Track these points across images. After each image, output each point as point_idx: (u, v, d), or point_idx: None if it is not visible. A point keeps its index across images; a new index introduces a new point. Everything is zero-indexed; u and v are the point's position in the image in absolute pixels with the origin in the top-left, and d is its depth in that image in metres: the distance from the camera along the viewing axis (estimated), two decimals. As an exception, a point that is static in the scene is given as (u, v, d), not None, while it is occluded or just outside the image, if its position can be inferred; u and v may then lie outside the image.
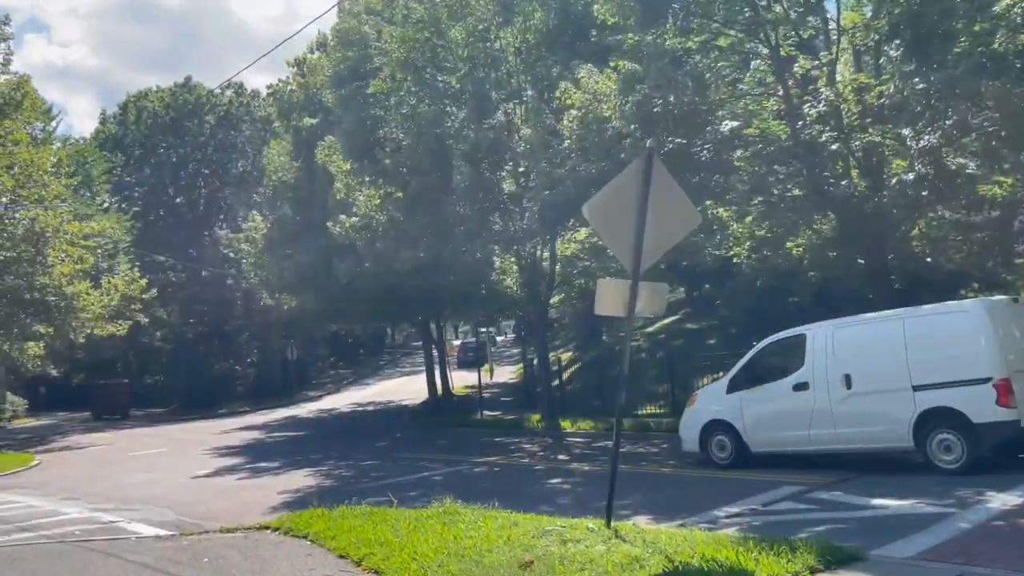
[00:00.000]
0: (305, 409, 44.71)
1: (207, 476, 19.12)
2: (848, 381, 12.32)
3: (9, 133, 31.76)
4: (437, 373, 35.64)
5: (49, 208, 34.21)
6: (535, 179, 19.06)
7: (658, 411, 24.09)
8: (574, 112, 16.21)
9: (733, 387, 14.00)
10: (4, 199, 33.82)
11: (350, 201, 24.74)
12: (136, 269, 38.65)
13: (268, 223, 31.59)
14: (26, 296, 34.19)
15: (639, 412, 24.24)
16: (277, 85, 30.65)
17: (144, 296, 38.24)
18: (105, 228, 36.83)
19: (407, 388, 49.14)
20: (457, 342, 65.94)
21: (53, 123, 44.24)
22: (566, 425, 22.29)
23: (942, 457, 11.32)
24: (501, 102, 19.96)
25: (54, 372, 76.69)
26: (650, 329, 37.29)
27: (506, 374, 51.15)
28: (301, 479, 17.44)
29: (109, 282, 38.01)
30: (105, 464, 23.63)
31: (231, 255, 53.07)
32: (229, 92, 61.43)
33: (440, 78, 20.46)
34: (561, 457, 17.94)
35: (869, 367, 12.22)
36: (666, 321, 37.45)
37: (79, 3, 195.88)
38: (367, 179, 23.11)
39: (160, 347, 76.48)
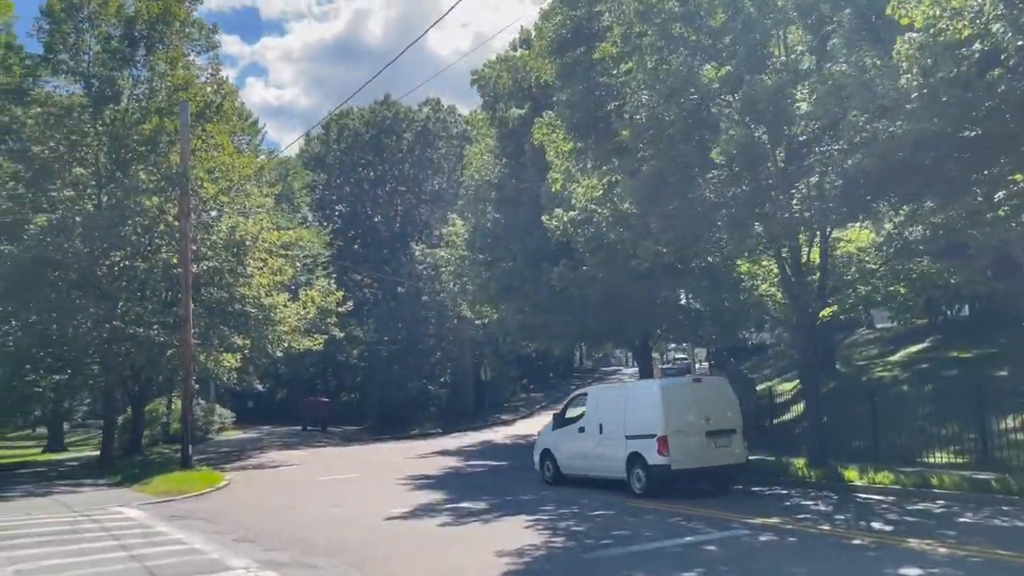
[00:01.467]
0: (500, 434, 41.12)
1: (403, 517, 15.40)
2: (601, 429, 17.51)
3: (211, 137, 30.54)
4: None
5: (251, 215, 32.80)
6: (830, 142, 14.05)
7: (957, 459, 18.06)
8: (915, 36, 11.09)
9: (556, 426, 19.38)
10: (210, 207, 32.77)
11: (567, 194, 20.65)
12: (332, 282, 36.69)
13: (469, 228, 28.22)
14: (227, 308, 32.89)
15: (927, 459, 18.37)
16: (482, 71, 27.30)
17: (340, 309, 36.21)
18: (303, 238, 35.14)
19: (608, 415, 44.56)
20: (661, 366, 60.50)
21: (259, 136, 43.81)
22: (851, 476, 16.76)
23: (636, 484, 16.47)
24: (779, 44, 15.15)
25: (260, 387, 78.65)
26: (895, 358, 30.72)
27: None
28: (519, 531, 13.26)
29: (306, 295, 36.32)
30: (292, 490, 20.76)
31: (427, 271, 51.03)
32: (426, 109, 60.15)
33: (690, 29, 15.89)
34: (876, 526, 12.62)
35: (611, 420, 17.29)
36: (912, 349, 30.81)
37: (292, 48, 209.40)
38: (590, 165, 18.88)
39: (356, 365, 76.77)
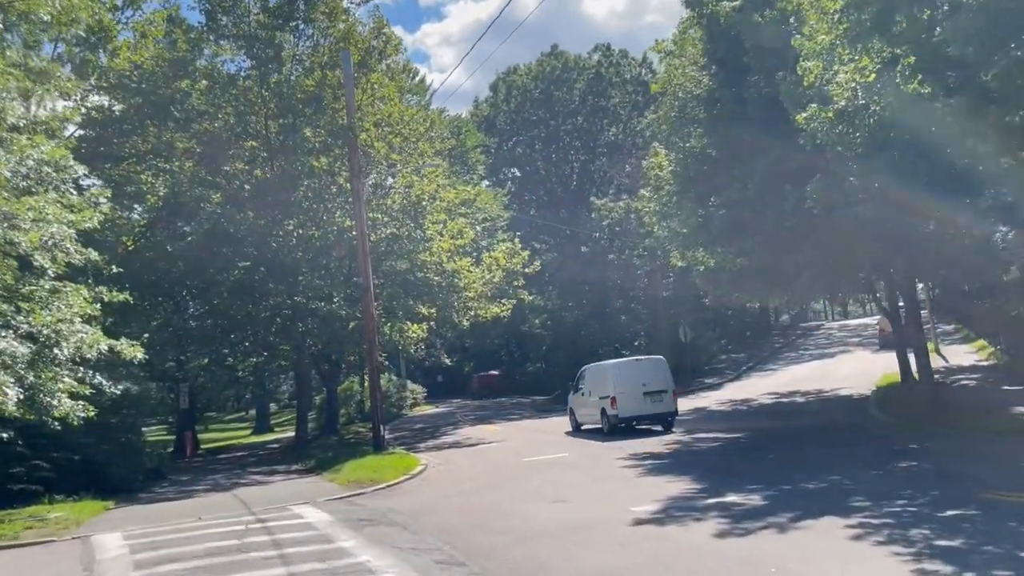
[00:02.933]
0: (711, 400, 35.94)
1: (656, 521, 11.00)
2: (590, 393, 25.27)
3: (376, 88, 27.38)
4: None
5: (424, 174, 29.50)
6: None
7: None
8: None
9: (573, 392, 27.45)
10: (382, 169, 29.82)
11: (823, 87, 15.30)
12: (517, 240, 32.90)
13: (675, 158, 23.28)
14: (408, 277, 29.90)
15: None
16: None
17: (527, 270, 32.38)
18: (481, 195, 31.52)
19: (835, 374, 38.24)
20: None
21: (427, 96, 40.75)
22: None
23: (604, 427, 23.93)
24: None
25: (447, 361, 77.39)
26: None
27: (959, 355, 38.09)
28: (854, 548, 8.55)
29: (490, 257, 32.78)
30: (498, 478, 16.98)
31: (612, 227, 46.45)
32: (596, 55, 55.19)
33: None
34: None
35: (594, 387, 25.13)
36: None
37: (451, 31, 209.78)
38: (870, 45, 13.50)
39: (539, 334, 73.69)
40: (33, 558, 11.45)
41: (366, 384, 53.96)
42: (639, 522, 10.95)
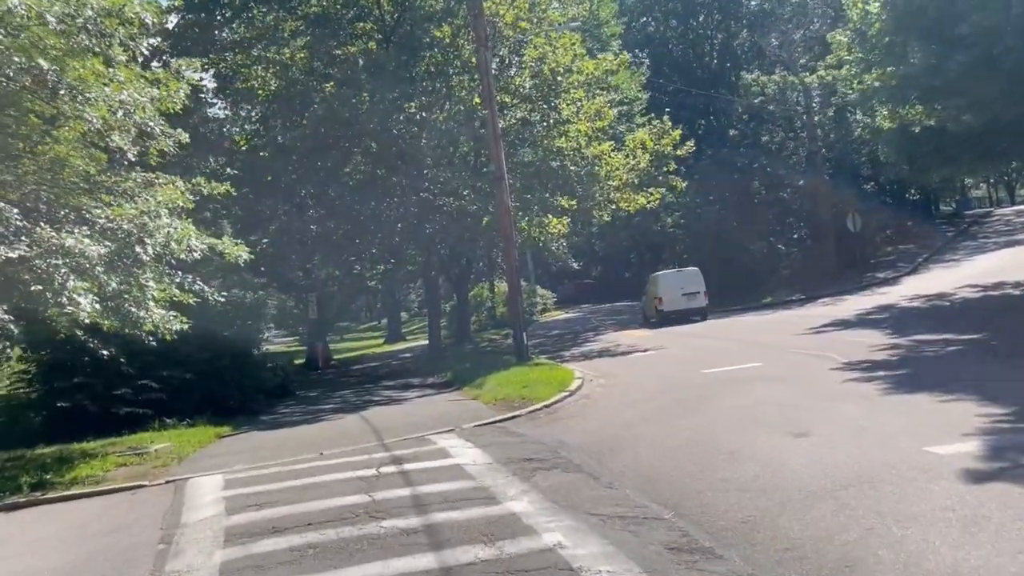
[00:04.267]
0: (894, 295, 30.66)
1: (986, 468, 7.01)
2: (650, 294, 31.90)
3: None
4: None
5: (557, 44, 25.10)
6: None
7: None
8: None
9: (643, 294, 34.25)
10: (511, 41, 25.63)
11: None
12: (667, 118, 28.13)
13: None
14: (544, 165, 26.02)
15: None
16: None
17: (679, 152, 27.70)
18: (624, 64, 26.79)
19: (1046, 261, 32.05)
20: None
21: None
22: None
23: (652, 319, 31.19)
24: None
25: (575, 265, 73.79)
26: None
27: None
28: None
29: (633, 139, 28.29)
30: (683, 395, 13.17)
31: (769, 106, 40.62)
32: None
33: None
34: None
35: (650, 290, 32.78)
36: None
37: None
38: None
39: (673, 234, 68.61)
40: (107, 515, 8.71)
41: (496, 290, 51.21)
42: (966, 474, 6.92)
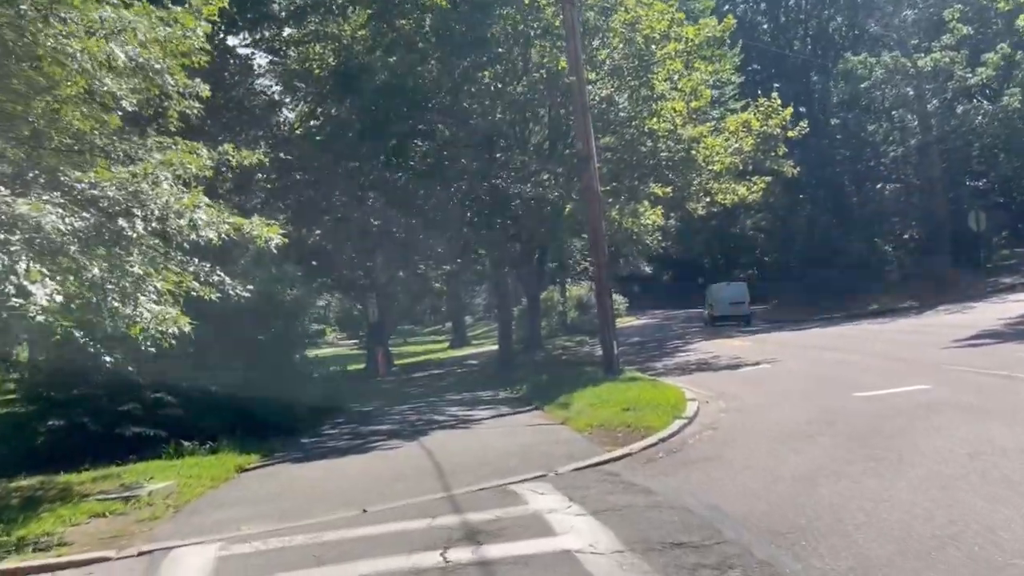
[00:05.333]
0: (1033, 305, 26.26)
1: None
2: (707, 303, 39.01)
3: None
4: None
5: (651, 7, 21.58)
6: None
7: None
8: None
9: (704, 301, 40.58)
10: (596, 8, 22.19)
11: None
12: (775, 97, 24.24)
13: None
14: (634, 147, 22.57)
15: None
16: None
17: (791, 134, 23.78)
18: (728, 31, 23.03)
19: None
20: None
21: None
22: None
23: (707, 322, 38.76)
24: None
25: (646, 268, 69.60)
26: None
27: None
28: None
29: (737, 119, 24.50)
30: (852, 430, 9.49)
31: (876, 92, 36.23)
32: None
33: None
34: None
35: (707, 298, 39.36)
36: None
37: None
38: None
39: (752, 236, 64.04)
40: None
41: (568, 293, 47.69)
42: None
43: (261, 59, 23.73)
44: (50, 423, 11.51)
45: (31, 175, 8.69)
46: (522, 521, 6.73)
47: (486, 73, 18.94)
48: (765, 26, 47.20)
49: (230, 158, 11.51)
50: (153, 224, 8.77)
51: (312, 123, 23.97)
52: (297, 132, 24.48)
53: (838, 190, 44.21)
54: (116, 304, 8.32)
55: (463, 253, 29.61)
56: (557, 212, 20.34)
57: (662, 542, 5.90)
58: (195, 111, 11.16)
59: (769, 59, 46.15)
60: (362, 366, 33.34)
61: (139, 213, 8.45)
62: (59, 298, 7.51)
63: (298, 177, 24.21)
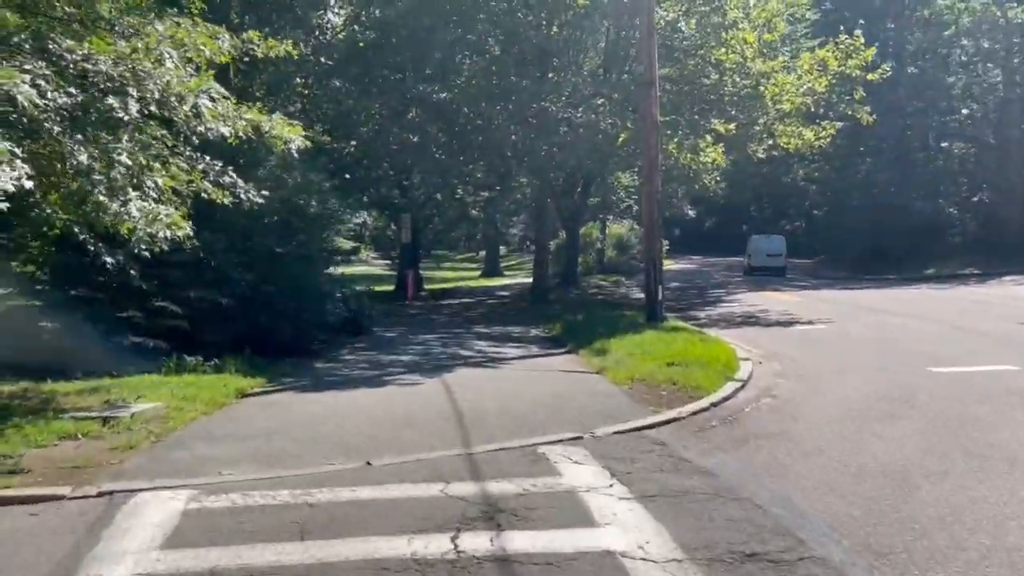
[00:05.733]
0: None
1: None
2: (746, 253, 40.22)
3: None
4: None
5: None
6: None
7: None
8: None
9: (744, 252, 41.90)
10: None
11: None
12: (858, 35, 21.94)
13: None
14: (699, 79, 20.68)
15: None
16: None
17: (870, 76, 21.59)
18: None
19: None
20: None
21: None
22: None
23: (745, 270, 42.00)
24: None
25: (690, 212, 67.44)
26: None
27: None
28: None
29: (810, 57, 22.34)
30: (933, 406, 8.09)
31: (962, 41, 33.32)
32: None
33: None
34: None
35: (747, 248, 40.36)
36: None
37: None
38: None
39: (804, 187, 61.36)
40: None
41: (608, 231, 46.05)
42: None
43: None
44: (42, 324, 10.49)
45: (14, 40, 7.38)
46: (554, 500, 5.50)
47: (546, -19, 17.11)
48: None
49: (255, 47, 10.11)
50: (151, 107, 7.47)
51: (356, 27, 22.32)
52: (340, 36, 22.88)
53: (904, 144, 41.51)
54: (102, 198, 7.09)
55: (503, 179, 28.12)
56: (609, 141, 18.69)
57: (731, 551, 4.63)
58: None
59: (840, 5, 42.94)
60: (391, 288, 32.35)
61: (134, 92, 7.13)
62: (28, 183, 6.29)
63: (338, 84, 22.73)
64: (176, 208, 8.58)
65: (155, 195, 8.18)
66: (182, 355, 10.85)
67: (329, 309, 13.95)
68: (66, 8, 8.10)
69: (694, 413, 8.84)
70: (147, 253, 8.24)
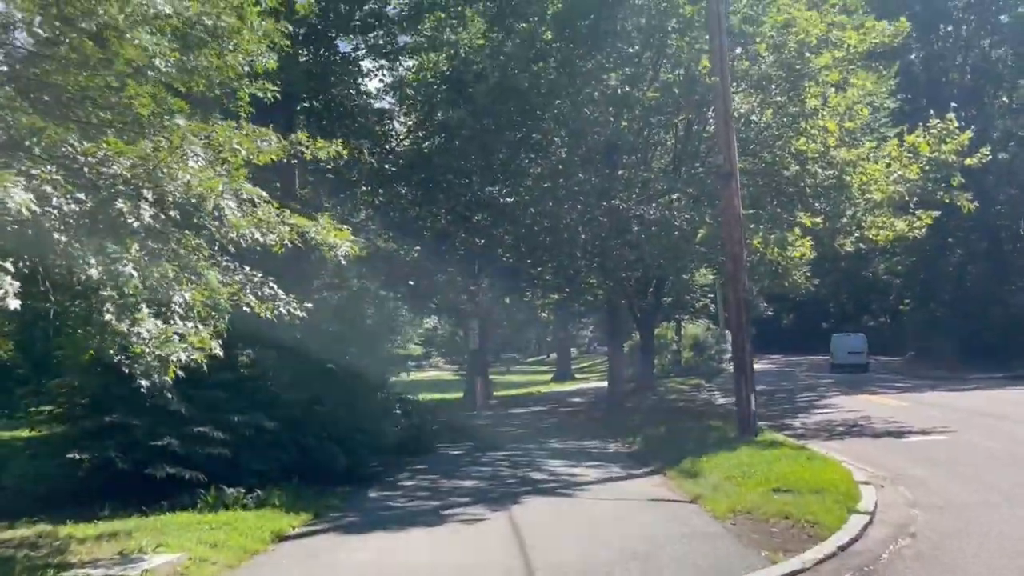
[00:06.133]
0: None
1: None
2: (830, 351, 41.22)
3: None
4: None
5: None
6: None
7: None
8: None
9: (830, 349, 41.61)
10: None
11: None
12: (951, 118, 20.38)
13: None
14: (779, 169, 19.42)
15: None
16: None
17: (969, 162, 19.84)
18: (901, 35, 19.47)
19: None
20: None
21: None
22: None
23: (830, 368, 41.09)
24: None
25: (769, 311, 65.00)
26: None
27: None
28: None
29: (895, 144, 20.78)
30: None
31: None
32: None
33: None
34: None
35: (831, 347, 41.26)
36: None
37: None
38: None
39: (887, 281, 58.37)
40: None
41: (683, 330, 44.11)
42: None
43: (371, 64, 21.92)
44: (70, 456, 9.46)
45: (29, 143, 6.61)
46: None
47: (612, 76, 16.21)
48: (913, 56, 42.57)
49: (303, 148, 9.27)
50: (171, 212, 6.52)
51: (420, 134, 21.98)
52: (404, 143, 22.59)
53: (995, 233, 38.94)
54: (108, 316, 6.06)
55: (572, 280, 26.93)
56: (685, 237, 17.35)
57: None
58: (270, 93, 9.11)
59: (919, 88, 41.48)
60: (460, 395, 31.04)
61: (149, 195, 6.20)
62: (14, 303, 5.28)
63: (403, 191, 22.25)
64: (210, 324, 7.56)
65: (181, 311, 7.17)
66: (221, 487, 9.62)
67: (387, 428, 12.64)
68: (99, 114, 7.37)
69: (819, 562, 7.08)
70: (143, 383, 7.11)
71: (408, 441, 14.13)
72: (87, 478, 9.79)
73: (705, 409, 22.86)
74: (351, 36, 21.09)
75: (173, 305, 7.13)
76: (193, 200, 6.36)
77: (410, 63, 22.80)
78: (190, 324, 7.32)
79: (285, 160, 9.28)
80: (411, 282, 20.70)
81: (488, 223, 20.58)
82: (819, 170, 19.76)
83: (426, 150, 21.45)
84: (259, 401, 10.73)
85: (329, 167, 21.77)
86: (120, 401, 9.89)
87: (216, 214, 6.51)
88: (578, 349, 75.62)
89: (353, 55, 20.28)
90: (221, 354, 7.40)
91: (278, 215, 8.16)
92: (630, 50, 16.32)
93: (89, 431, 9.75)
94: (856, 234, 21.50)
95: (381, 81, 22.76)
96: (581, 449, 15.65)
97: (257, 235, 7.45)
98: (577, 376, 47.48)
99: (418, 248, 20.10)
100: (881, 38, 18.53)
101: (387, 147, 22.53)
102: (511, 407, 28.09)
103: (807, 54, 18.43)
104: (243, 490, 9.73)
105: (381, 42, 21.40)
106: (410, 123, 22.52)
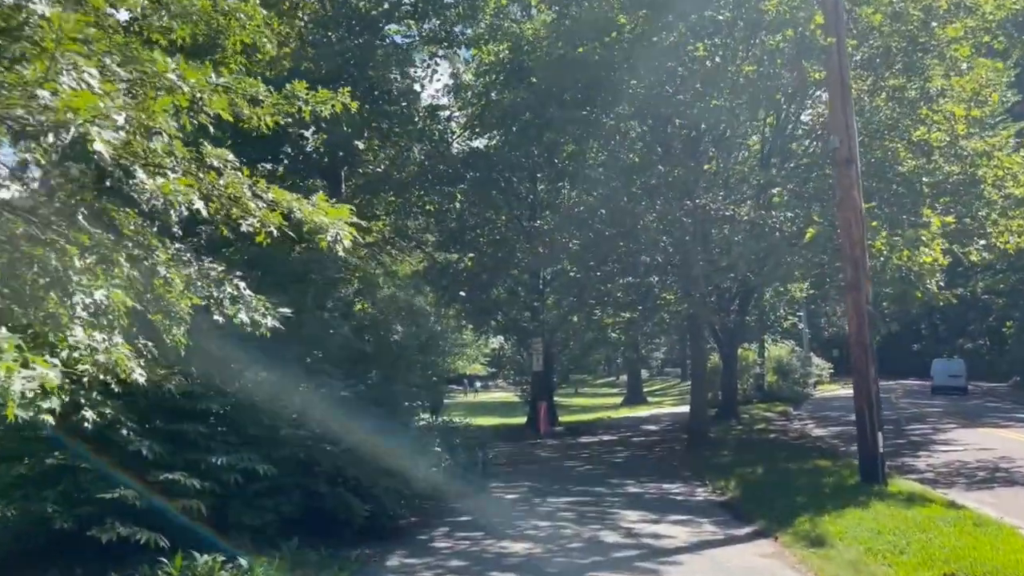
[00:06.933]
0: None
1: None
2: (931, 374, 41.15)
3: None
4: None
5: None
6: None
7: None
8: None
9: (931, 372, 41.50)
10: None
11: None
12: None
13: None
14: (895, 164, 16.27)
15: None
16: None
17: None
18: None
19: None
20: None
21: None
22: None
23: (932, 392, 39.55)
24: None
25: (893, 327, 60.99)
26: None
27: None
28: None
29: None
30: None
31: None
32: None
33: None
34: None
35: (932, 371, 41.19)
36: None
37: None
38: None
39: (987, 300, 53.35)
40: None
41: (766, 352, 40.38)
42: None
43: (425, 55, 19.71)
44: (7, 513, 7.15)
45: None
46: None
47: (700, 47, 13.37)
48: None
49: (302, 104, 6.88)
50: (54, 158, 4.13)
51: (476, 129, 19.58)
52: (459, 141, 20.24)
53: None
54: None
55: (646, 297, 24.02)
56: (789, 239, 14.29)
57: None
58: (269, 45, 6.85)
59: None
60: (522, 420, 28.31)
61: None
62: None
63: (457, 193, 19.87)
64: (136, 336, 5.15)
65: (87, 315, 4.80)
66: (191, 553, 7.16)
67: (421, 470, 10.03)
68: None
69: None
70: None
71: (447, 481, 11.47)
72: (23, 538, 7.47)
73: (802, 442, 19.57)
74: (402, 24, 19.00)
75: (76, 307, 4.77)
76: (62, 133, 3.91)
77: (467, 54, 20.56)
78: (99, 335, 4.94)
79: (283, 125, 6.93)
80: (462, 293, 18.15)
81: (551, 227, 17.90)
82: (941, 162, 16.52)
83: (483, 147, 19.04)
84: (253, 437, 8.29)
85: (379, 169, 19.58)
86: (55, 441, 7.52)
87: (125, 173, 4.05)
88: (649, 371, 71.84)
89: (405, 44, 18.09)
90: (141, 380, 4.96)
91: (250, 186, 5.80)
92: (719, 17, 13.50)
93: (22, 476, 7.43)
94: (982, 241, 18.00)
95: (438, 80, 20.58)
96: (663, 495, 12.75)
97: (199, 205, 5.01)
98: (650, 400, 44.18)
99: (472, 255, 17.58)
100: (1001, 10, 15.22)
101: (440, 147, 20.25)
102: (578, 435, 25.20)
103: (932, 24, 15.27)
104: (220, 558, 7.24)
105: (435, 31, 19.22)
106: (464, 119, 20.17)
